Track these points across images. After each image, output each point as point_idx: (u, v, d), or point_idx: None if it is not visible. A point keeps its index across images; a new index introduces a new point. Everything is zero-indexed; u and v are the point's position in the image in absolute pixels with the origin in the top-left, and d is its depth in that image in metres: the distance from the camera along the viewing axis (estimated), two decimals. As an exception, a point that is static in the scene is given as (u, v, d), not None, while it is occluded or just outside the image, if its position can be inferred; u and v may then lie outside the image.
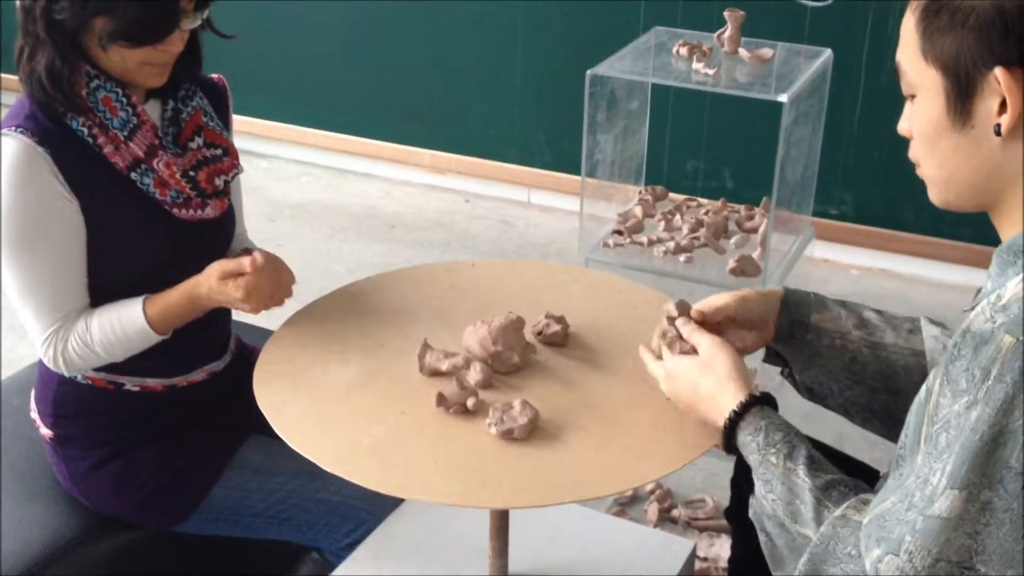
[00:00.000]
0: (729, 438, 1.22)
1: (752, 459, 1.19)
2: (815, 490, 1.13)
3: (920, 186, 1.15)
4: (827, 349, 1.37)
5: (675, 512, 2.34)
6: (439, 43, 3.80)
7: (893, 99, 3.73)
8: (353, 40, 3.93)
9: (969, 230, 3.21)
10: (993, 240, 1.13)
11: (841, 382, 1.37)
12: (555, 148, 3.75)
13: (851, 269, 3.41)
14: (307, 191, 3.99)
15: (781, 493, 1.15)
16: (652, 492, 2.38)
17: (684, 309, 1.35)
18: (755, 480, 1.19)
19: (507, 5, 3.63)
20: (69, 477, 1.66)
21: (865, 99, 3.24)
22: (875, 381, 1.36)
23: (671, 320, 1.34)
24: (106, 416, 1.65)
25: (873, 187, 3.35)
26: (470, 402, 1.37)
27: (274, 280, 1.55)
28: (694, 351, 1.31)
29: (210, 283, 1.53)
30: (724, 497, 2.33)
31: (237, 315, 1.85)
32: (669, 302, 1.36)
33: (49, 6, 1.46)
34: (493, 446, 1.32)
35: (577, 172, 3.85)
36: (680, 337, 1.33)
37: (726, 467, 2.37)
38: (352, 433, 1.35)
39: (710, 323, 1.35)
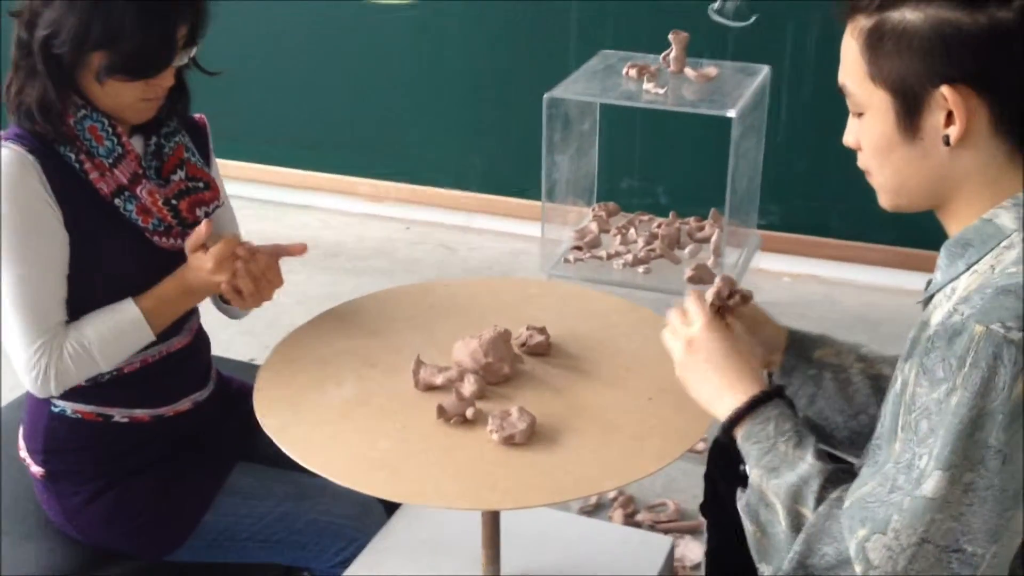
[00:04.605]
0: (732, 424, 1.25)
1: (755, 448, 1.22)
2: (821, 473, 1.17)
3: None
4: (829, 382, 1.43)
5: (639, 516, 2.42)
6: (371, 73, 3.84)
7: (814, 113, 3.86)
8: (285, 72, 3.96)
9: (891, 233, 3.32)
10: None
11: (845, 413, 1.43)
12: (490, 172, 3.82)
13: (783, 276, 3.54)
14: (246, 226, 3.94)
15: (788, 478, 1.18)
16: (615, 499, 2.46)
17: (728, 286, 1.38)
18: (753, 470, 1.21)
19: (439, 34, 3.70)
20: (62, 512, 1.67)
21: (789, 113, 3.38)
22: (877, 410, 1.38)
23: (720, 297, 1.36)
24: (96, 449, 1.67)
25: (797, 197, 3.47)
26: (469, 412, 1.43)
27: (255, 266, 1.59)
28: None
29: (188, 263, 1.57)
30: (683, 500, 2.43)
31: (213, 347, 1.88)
32: (718, 280, 1.37)
33: (48, 40, 1.49)
34: (496, 452, 1.38)
35: (513, 195, 3.91)
36: (724, 309, 1.36)
37: (683, 471, 2.47)
38: (359, 449, 1.40)
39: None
